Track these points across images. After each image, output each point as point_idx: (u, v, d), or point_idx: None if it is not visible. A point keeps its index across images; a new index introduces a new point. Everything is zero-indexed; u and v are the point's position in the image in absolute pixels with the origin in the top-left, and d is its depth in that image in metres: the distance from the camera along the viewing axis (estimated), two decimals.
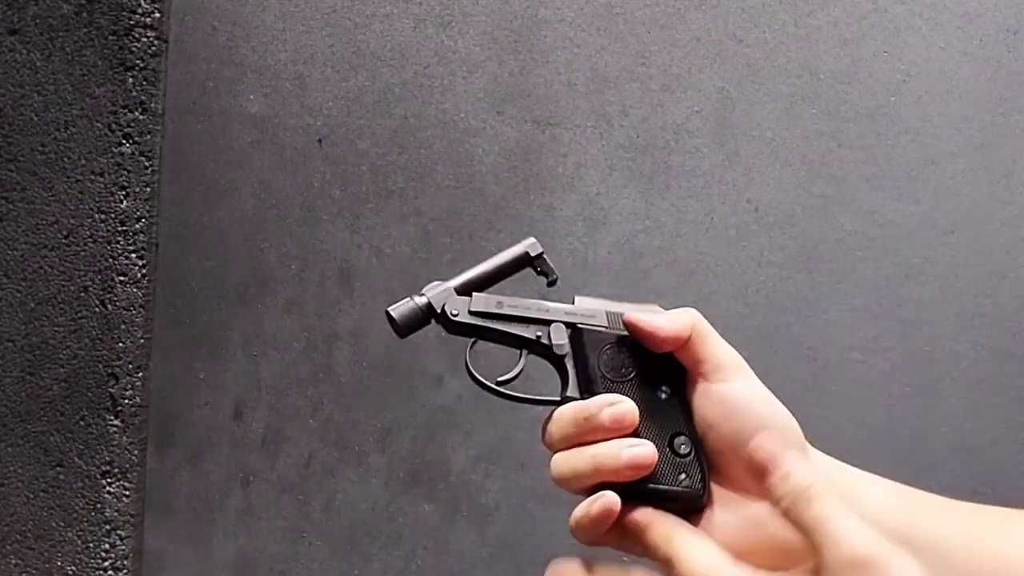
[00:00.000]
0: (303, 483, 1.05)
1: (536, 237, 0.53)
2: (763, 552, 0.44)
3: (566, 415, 0.46)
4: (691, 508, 0.46)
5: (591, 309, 0.50)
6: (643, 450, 0.44)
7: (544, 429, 0.48)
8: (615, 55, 1.02)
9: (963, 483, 0.96)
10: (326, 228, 1.05)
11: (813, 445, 0.47)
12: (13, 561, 1.06)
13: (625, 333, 0.49)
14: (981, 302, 0.99)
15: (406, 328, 0.50)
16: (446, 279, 0.51)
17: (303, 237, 1.05)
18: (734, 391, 0.45)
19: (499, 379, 0.51)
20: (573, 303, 0.51)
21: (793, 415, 0.46)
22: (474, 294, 0.51)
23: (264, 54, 1.05)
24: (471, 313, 0.50)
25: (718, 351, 0.46)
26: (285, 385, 1.05)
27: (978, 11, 0.99)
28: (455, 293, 0.51)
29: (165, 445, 1.07)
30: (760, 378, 0.46)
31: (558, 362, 0.50)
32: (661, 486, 0.45)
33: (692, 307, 0.47)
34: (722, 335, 0.47)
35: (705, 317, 0.47)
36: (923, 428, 0.98)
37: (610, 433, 0.45)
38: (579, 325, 0.50)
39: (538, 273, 0.53)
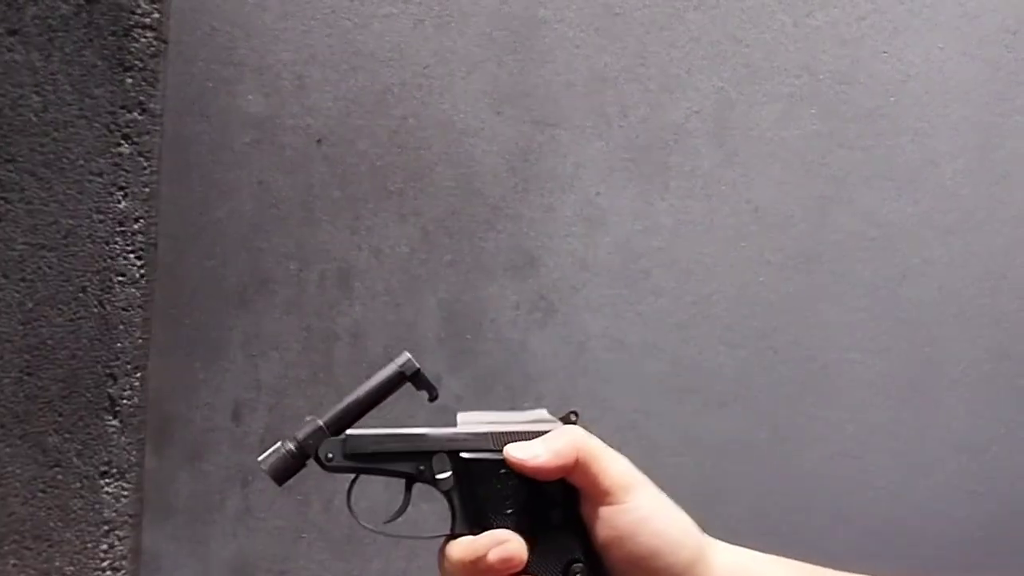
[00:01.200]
0: (303, 483, 1.05)
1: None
2: None
3: (456, 555, 0.46)
4: None
5: (475, 434, 0.48)
6: None
7: (439, 558, 0.48)
8: (615, 55, 1.02)
9: (963, 483, 0.96)
10: (326, 228, 1.05)
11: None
12: (11, 561, 1.05)
13: None
14: (981, 302, 0.99)
15: (281, 477, 0.48)
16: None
17: (303, 237, 1.05)
18: (626, 512, 0.44)
19: (386, 520, 0.50)
20: (456, 422, 0.49)
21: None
22: (348, 433, 0.48)
23: (264, 54, 1.05)
24: (346, 456, 0.48)
25: (607, 473, 0.45)
26: (285, 385, 1.05)
27: (978, 11, 0.99)
28: (327, 432, 0.48)
29: (164, 445, 1.07)
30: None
31: (444, 494, 0.49)
32: None
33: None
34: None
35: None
36: (923, 428, 0.98)
37: (500, 574, 0.44)
38: (462, 455, 0.48)
39: (418, 389, 0.51)
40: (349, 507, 0.51)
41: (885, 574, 0.44)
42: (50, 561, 1.05)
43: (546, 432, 0.47)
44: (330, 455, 0.48)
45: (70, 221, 1.05)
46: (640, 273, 1.02)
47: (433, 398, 0.51)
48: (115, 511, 1.05)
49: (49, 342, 1.05)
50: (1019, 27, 0.99)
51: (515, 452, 0.46)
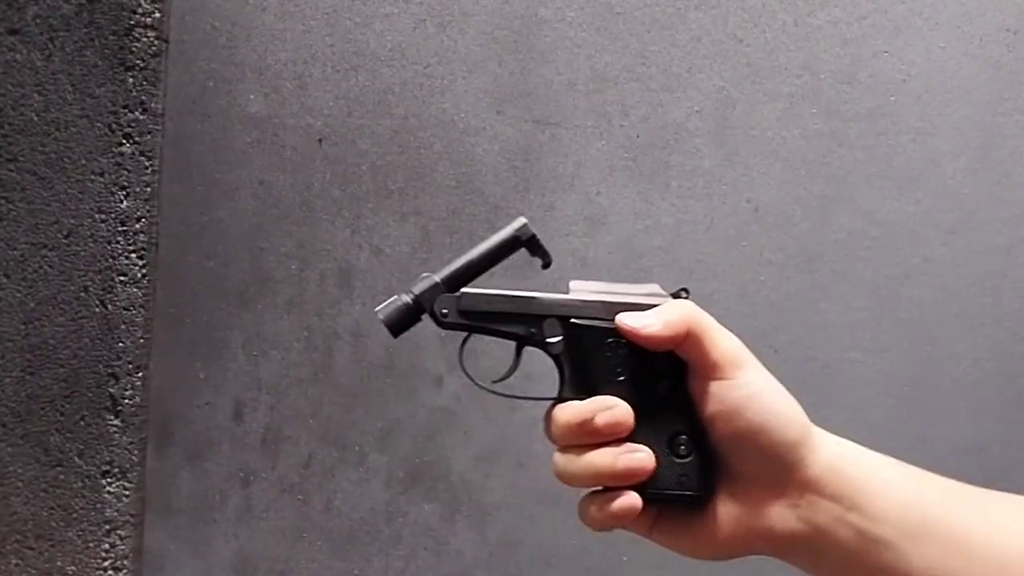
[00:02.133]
0: (303, 483, 1.05)
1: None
2: (763, 544, 0.45)
3: (563, 417, 0.45)
4: (693, 507, 0.46)
5: (586, 301, 0.48)
6: (639, 458, 0.44)
7: (546, 422, 0.47)
8: (615, 55, 1.02)
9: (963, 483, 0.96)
10: (326, 228, 1.05)
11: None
12: (13, 561, 1.06)
13: None
14: (981, 302, 0.99)
15: (396, 327, 0.49)
16: (437, 269, 0.49)
17: (303, 237, 1.05)
18: (735, 388, 0.44)
19: (494, 380, 0.50)
20: (567, 290, 0.49)
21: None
22: (463, 291, 0.49)
23: (264, 54, 1.05)
24: (460, 313, 0.49)
25: (717, 347, 0.45)
26: (285, 385, 1.05)
27: (978, 11, 0.99)
28: (443, 287, 0.49)
29: (165, 445, 1.07)
30: None
31: (554, 358, 0.48)
32: (660, 491, 0.45)
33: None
34: None
35: None
36: (923, 428, 0.98)
37: (606, 438, 0.45)
38: (573, 320, 0.48)
39: (532, 255, 0.51)
40: (462, 365, 0.51)
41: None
42: (52, 560, 1.05)
43: (657, 305, 0.47)
44: (444, 311, 0.49)
45: (72, 221, 1.05)
46: (641, 272, 1.02)
47: (546, 265, 0.51)
48: (117, 510, 1.05)
49: (51, 342, 1.05)
50: (1020, 27, 0.99)
51: (627, 320, 0.46)
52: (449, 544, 1.04)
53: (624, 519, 0.45)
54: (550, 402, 0.48)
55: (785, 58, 1.01)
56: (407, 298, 0.49)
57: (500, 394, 0.51)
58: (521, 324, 0.48)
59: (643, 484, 0.45)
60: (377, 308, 0.49)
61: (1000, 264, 0.99)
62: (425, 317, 0.49)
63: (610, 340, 0.47)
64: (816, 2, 1.00)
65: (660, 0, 1.02)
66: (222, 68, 1.06)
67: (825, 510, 0.43)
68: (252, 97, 1.05)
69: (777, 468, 0.44)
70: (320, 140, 1.05)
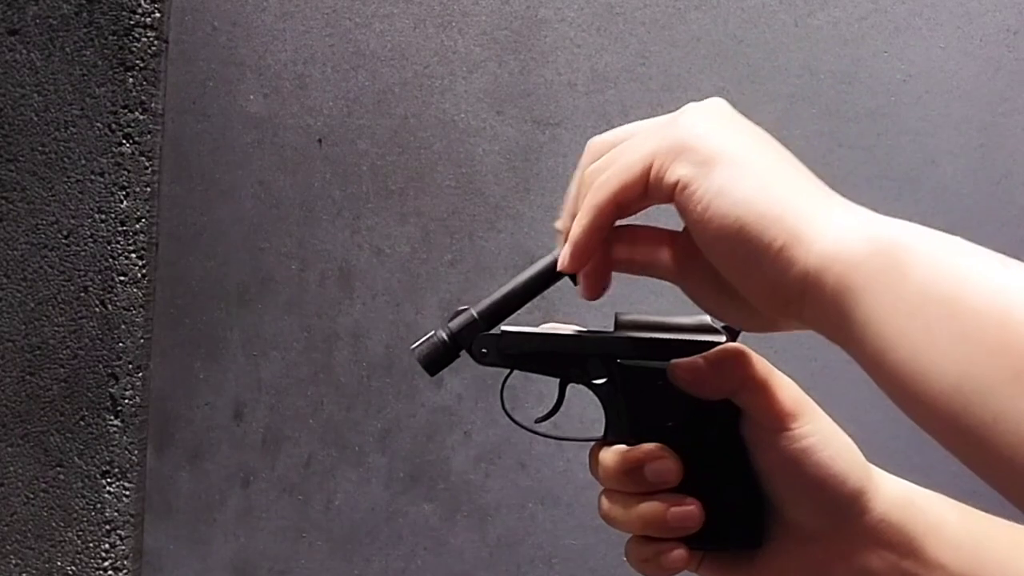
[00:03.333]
0: (303, 483, 1.05)
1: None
2: None
3: (609, 463, 0.44)
4: (743, 554, 0.44)
5: (634, 339, 0.46)
6: (688, 511, 0.43)
7: (591, 460, 0.46)
8: (615, 55, 1.02)
9: (962, 483, 0.96)
10: (326, 228, 1.05)
11: None
12: (13, 561, 1.06)
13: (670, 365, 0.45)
14: None
15: (432, 366, 0.47)
16: (475, 302, 0.46)
17: (303, 237, 1.05)
18: (794, 440, 0.42)
19: (537, 418, 0.48)
20: (614, 323, 0.47)
21: None
22: (503, 330, 0.46)
23: (264, 54, 1.05)
24: (500, 353, 0.46)
25: (776, 396, 0.42)
26: (285, 385, 1.05)
27: (978, 11, 0.99)
28: (482, 325, 0.46)
29: (165, 445, 1.07)
30: None
31: (600, 398, 0.46)
32: (705, 541, 0.43)
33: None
34: None
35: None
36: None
37: (653, 487, 0.43)
38: (619, 362, 0.45)
39: (576, 283, 0.48)
40: (503, 404, 0.49)
41: None
42: (52, 561, 1.05)
43: (710, 343, 0.44)
44: (484, 350, 0.46)
45: (72, 221, 1.05)
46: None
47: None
48: (116, 511, 1.05)
49: (51, 342, 1.05)
50: (1020, 27, 0.99)
51: (680, 367, 0.43)
52: (449, 544, 1.04)
53: (673, 572, 0.44)
54: (594, 443, 0.46)
55: (785, 58, 1.01)
56: (443, 334, 0.46)
57: (544, 435, 0.49)
58: (565, 364, 0.47)
59: (690, 534, 0.44)
60: (413, 346, 0.47)
61: None
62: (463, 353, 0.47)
63: (659, 382, 0.44)
64: (816, 2, 1.00)
65: (660, 0, 1.02)
66: (222, 68, 1.06)
67: (880, 557, 0.42)
68: (252, 97, 1.05)
69: (836, 520, 0.42)
70: (320, 140, 1.05)
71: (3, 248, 1.06)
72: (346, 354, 1.05)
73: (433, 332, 0.46)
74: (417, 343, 0.46)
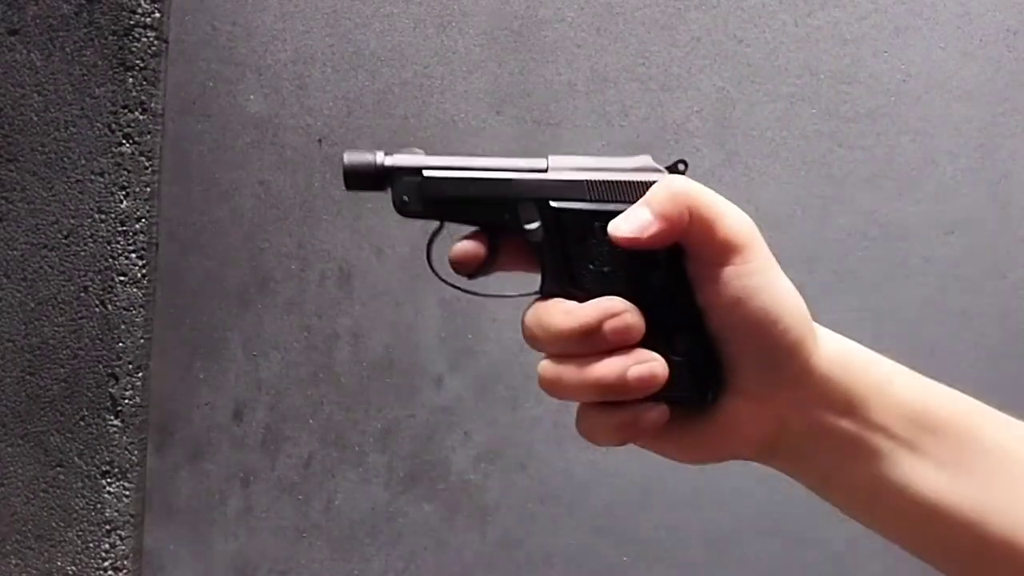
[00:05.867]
0: (303, 483, 1.05)
1: None
2: (749, 449, 0.41)
3: (558, 322, 0.39)
4: (696, 409, 0.40)
5: (569, 181, 0.41)
6: (651, 368, 0.38)
7: (524, 322, 0.41)
8: (615, 55, 1.02)
9: None
10: (326, 228, 1.05)
11: None
12: (13, 561, 1.06)
13: (611, 208, 0.40)
14: (982, 302, 0.99)
15: (352, 182, 0.43)
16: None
17: (303, 237, 1.05)
18: (742, 275, 0.38)
19: (466, 275, 0.44)
20: (547, 165, 0.42)
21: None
22: (425, 175, 0.42)
23: (264, 54, 1.05)
24: (424, 200, 0.42)
25: (723, 229, 0.38)
26: (285, 385, 1.05)
27: (978, 11, 0.99)
28: (420, 176, 0.42)
29: (165, 445, 1.07)
30: None
31: (533, 248, 0.42)
32: (660, 393, 0.39)
33: None
34: None
35: None
36: None
37: (611, 346, 0.39)
38: (553, 204, 0.41)
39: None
40: (429, 263, 0.45)
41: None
42: (52, 560, 1.05)
43: (648, 183, 0.40)
44: (405, 198, 0.42)
45: (72, 221, 1.05)
46: None
47: None
48: (117, 511, 1.05)
49: (51, 342, 1.05)
50: (1019, 27, 0.99)
51: (622, 226, 0.39)
52: (449, 544, 1.04)
53: (651, 433, 0.40)
54: (530, 299, 0.42)
55: (785, 58, 1.01)
56: (380, 161, 0.43)
57: (476, 293, 0.45)
58: (494, 210, 0.42)
59: None
60: (348, 152, 0.43)
61: (1000, 264, 0.99)
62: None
63: (596, 225, 0.40)
64: (816, 2, 1.00)
65: (660, 0, 1.02)
66: (222, 68, 1.06)
67: (824, 417, 0.39)
68: (252, 97, 1.05)
69: (781, 375, 0.39)
70: (320, 140, 1.05)
71: (3, 248, 1.06)
72: (346, 354, 1.05)
73: (375, 153, 0.43)
74: (355, 152, 0.43)
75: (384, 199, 0.44)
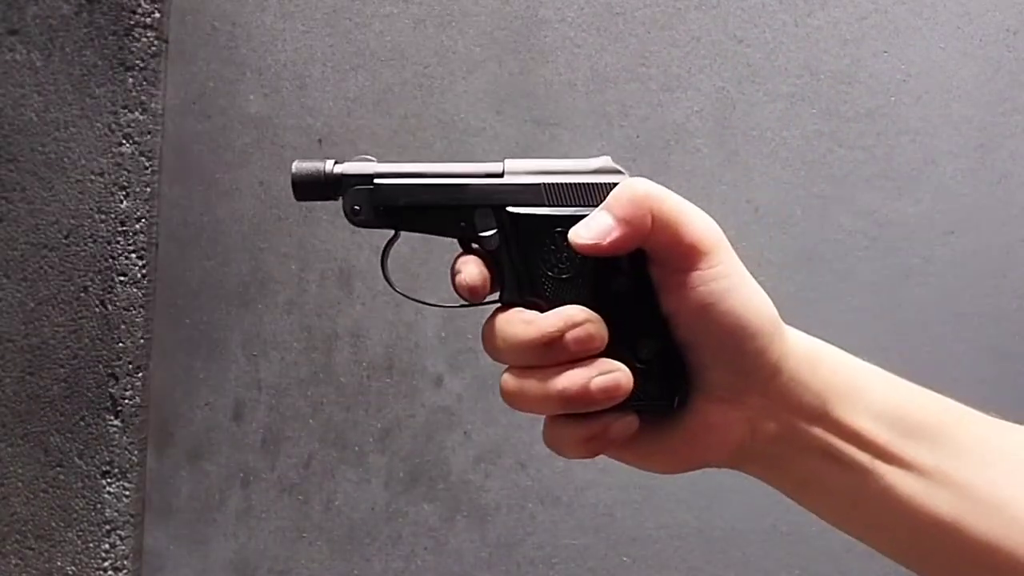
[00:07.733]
0: (303, 483, 1.05)
1: None
2: (722, 456, 0.40)
3: (518, 333, 0.39)
4: (663, 415, 0.40)
5: (525, 186, 0.40)
6: (616, 378, 0.37)
7: (484, 333, 0.41)
8: (615, 55, 1.02)
9: None
10: (326, 228, 1.05)
11: None
12: (13, 561, 1.06)
13: (570, 213, 0.39)
14: (981, 302, 0.99)
15: (301, 192, 0.41)
16: (391, 161, 0.40)
17: (303, 237, 1.05)
18: (708, 279, 0.37)
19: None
20: (503, 169, 0.40)
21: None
22: (376, 182, 0.41)
23: (264, 54, 1.05)
24: (376, 209, 0.41)
25: (687, 234, 0.37)
26: (285, 385, 1.05)
27: (978, 11, 0.99)
28: (370, 182, 0.40)
29: (165, 445, 1.07)
30: None
31: (491, 255, 0.41)
32: (626, 402, 0.38)
33: None
34: None
35: None
36: None
37: (574, 357, 0.38)
38: (509, 210, 0.40)
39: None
40: (384, 271, 0.44)
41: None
42: (52, 561, 1.05)
43: (608, 185, 0.39)
44: (356, 207, 0.41)
45: (72, 221, 1.05)
46: None
47: None
48: (117, 511, 1.05)
49: (51, 342, 1.05)
50: (1019, 27, 0.99)
51: (582, 233, 0.37)
52: (449, 544, 1.04)
53: (620, 444, 0.39)
54: (492, 309, 0.41)
55: (785, 58, 1.01)
56: (330, 170, 0.41)
57: (430, 304, 0.44)
58: (449, 217, 0.41)
59: None
60: (297, 161, 0.42)
61: (999, 264, 0.99)
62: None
63: (556, 230, 0.39)
64: (816, 2, 1.00)
65: (660, 0, 1.02)
66: (222, 68, 1.06)
67: (792, 422, 0.38)
68: (252, 97, 1.05)
69: (749, 380, 0.38)
70: (320, 140, 1.05)
71: (3, 248, 1.06)
72: (346, 354, 1.05)
73: (325, 162, 0.42)
74: (304, 161, 0.42)
75: None
